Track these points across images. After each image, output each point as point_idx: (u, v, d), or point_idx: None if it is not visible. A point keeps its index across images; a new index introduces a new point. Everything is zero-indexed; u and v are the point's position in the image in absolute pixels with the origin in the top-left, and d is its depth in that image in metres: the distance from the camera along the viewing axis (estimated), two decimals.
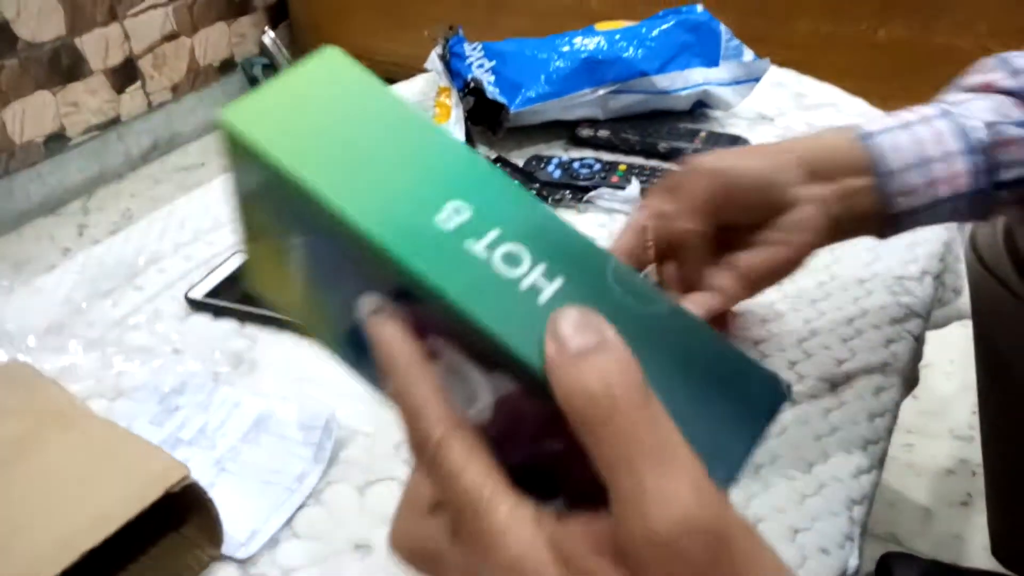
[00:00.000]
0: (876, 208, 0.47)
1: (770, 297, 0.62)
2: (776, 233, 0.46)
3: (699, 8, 0.89)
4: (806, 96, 0.92)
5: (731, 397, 0.24)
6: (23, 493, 0.42)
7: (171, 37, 2.10)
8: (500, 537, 0.22)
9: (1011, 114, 0.47)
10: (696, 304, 0.46)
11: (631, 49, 0.82)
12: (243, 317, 0.61)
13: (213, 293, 0.63)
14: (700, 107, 0.86)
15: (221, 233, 0.73)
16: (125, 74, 2.02)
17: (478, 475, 0.23)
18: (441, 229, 0.24)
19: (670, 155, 0.79)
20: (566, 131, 0.85)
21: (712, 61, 0.84)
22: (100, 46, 1.94)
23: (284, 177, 0.24)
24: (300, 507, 0.46)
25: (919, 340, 0.61)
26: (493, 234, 0.24)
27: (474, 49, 0.86)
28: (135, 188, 2.01)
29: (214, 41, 2.22)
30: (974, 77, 0.50)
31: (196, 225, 0.75)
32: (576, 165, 0.76)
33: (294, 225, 0.26)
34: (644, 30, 0.84)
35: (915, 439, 1.16)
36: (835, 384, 0.54)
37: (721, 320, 0.52)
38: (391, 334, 0.25)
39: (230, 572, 0.43)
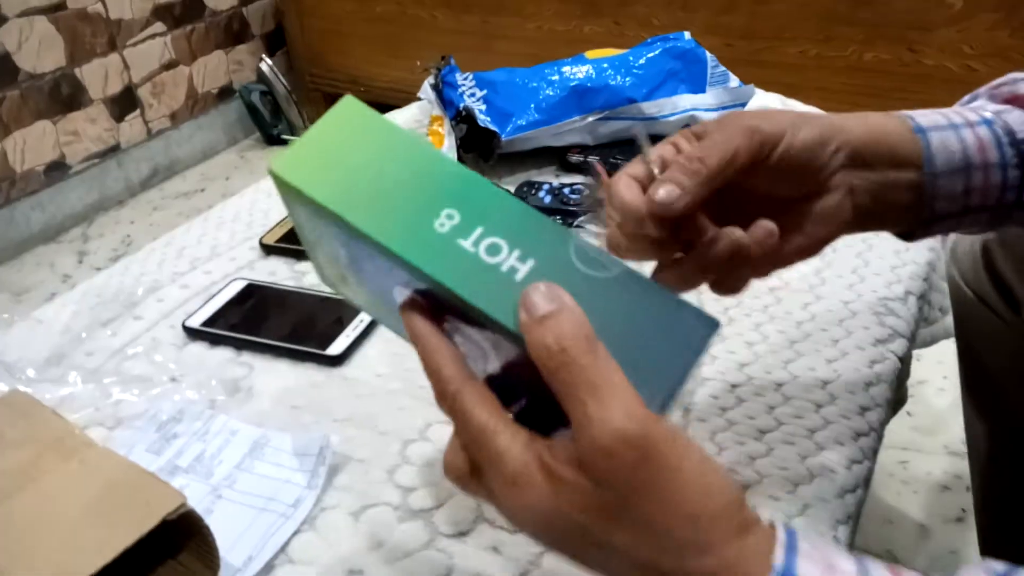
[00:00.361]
0: (913, 207, 0.44)
1: (756, 318, 0.63)
2: (799, 219, 0.42)
3: (687, 35, 0.91)
4: None
5: (667, 337, 0.31)
6: (23, 522, 0.43)
7: (170, 66, 2.13)
8: (503, 456, 0.30)
9: None
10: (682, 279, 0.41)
11: (619, 77, 0.84)
12: (239, 345, 0.63)
13: (210, 321, 0.65)
14: None
15: (218, 262, 0.75)
16: (124, 103, 2.04)
17: (485, 414, 0.30)
18: (439, 233, 0.31)
19: None
20: (556, 157, 0.86)
21: (699, 87, 0.86)
22: (100, 76, 1.96)
23: (321, 209, 0.32)
24: (295, 533, 0.47)
25: (904, 360, 0.62)
26: (478, 231, 0.31)
27: (466, 79, 0.88)
28: (135, 215, 2.03)
29: (212, 69, 2.25)
30: (1002, 89, 0.48)
31: (193, 254, 0.76)
32: (566, 191, 0.78)
33: (339, 239, 0.34)
34: (632, 58, 0.86)
35: (910, 456, 1.17)
36: (820, 404, 0.55)
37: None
38: (416, 318, 0.32)
39: None
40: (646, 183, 0.40)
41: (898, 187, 0.43)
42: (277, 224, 0.78)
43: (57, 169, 1.92)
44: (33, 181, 1.87)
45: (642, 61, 0.86)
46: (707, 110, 0.86)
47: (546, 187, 0.79)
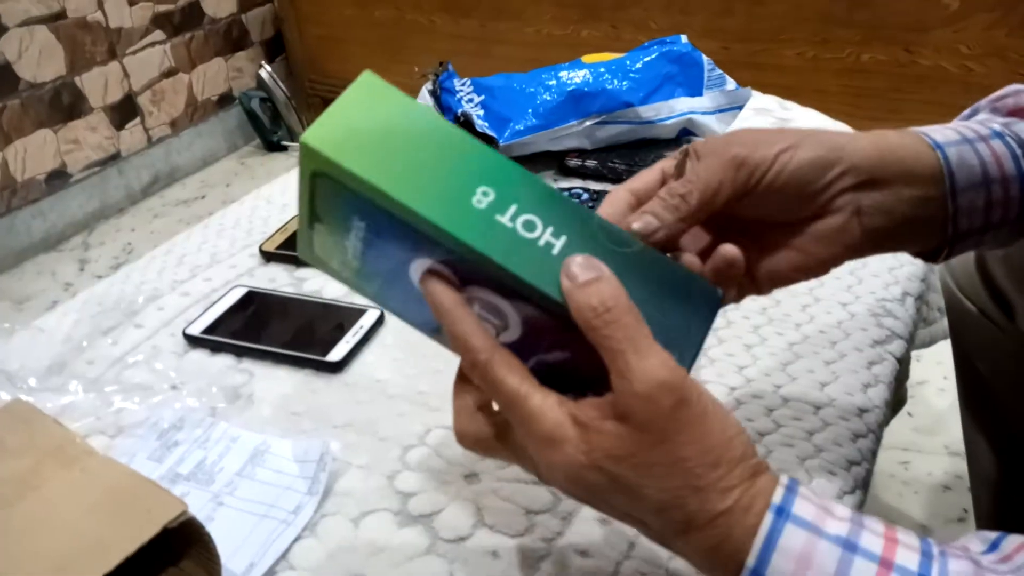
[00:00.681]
0: (936, 225, 0.42)
1: (754, 321, 0.63)
2: (797, 239, 0.41)
3: (683, 39, 0.92)
4: (789, 121, 0.94)
5: (684, 305, 0.34)
6: (24, 530, 0.43)
7: (169, 73, 2.14)
8: (536, 416, 0.33)
9: None
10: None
11: (616, 81, 0.84)
12: (240, 352, 0.63)
13: (210, 329, 0.65)
14: (686, 135, 0.88)
15: (218, 269, 0.75)
16: (125, 111, 2.05)
17: (516, 379, 0.33)
18: (478, 208, 0.33)
19: None
20: (555, 161, 0.87)
21: (696, 91, 0.86)
22: (100, 84, 1.97)
23: (359, 182, 0.32)
24: (296, 539, 0.47)
25: (902, 362, 0.62)
26: (513, 208, 0.33)
27: (463, 84, 0.89)
28: (135, 222, 2.04)
29: (212, 76, 2.26)
30: (1005, 101, 0.46)
31: (194, 262, 0.77)
32: (565, 195, 0.78)
33: (360, 212, 0.34)
34: (628, 62, 0.86)
35: (910, 456, 1.17)
36: (818, 407, 0.55)
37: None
38: (440, 288, 0.34)
39: None
40: (644, 199, 0.40)
41: (918, 205, 0.41)
42: (277, 231, 0.78)
43: (58, 177, 1.93)
44: (34, 190, 1.88)
45: (639, 65, 0.86)
46: (704, 113, 0.86)
47: None
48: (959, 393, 0.77)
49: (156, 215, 2.07)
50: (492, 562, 0.45)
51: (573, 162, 0.85)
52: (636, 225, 0.38)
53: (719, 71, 0.88)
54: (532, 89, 0.85)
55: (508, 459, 0.37)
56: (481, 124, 0.83)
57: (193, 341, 0.64)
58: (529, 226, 0.33)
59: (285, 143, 2.31)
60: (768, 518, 0.31)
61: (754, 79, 1.23)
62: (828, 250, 0.41)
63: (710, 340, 0.61)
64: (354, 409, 0.57)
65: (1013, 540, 0.32)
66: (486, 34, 1.92)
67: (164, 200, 2.13)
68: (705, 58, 0.88)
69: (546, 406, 0.33)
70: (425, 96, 0.90)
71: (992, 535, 0.33)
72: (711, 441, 0.32)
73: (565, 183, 0.84)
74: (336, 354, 0.60)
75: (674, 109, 0.85)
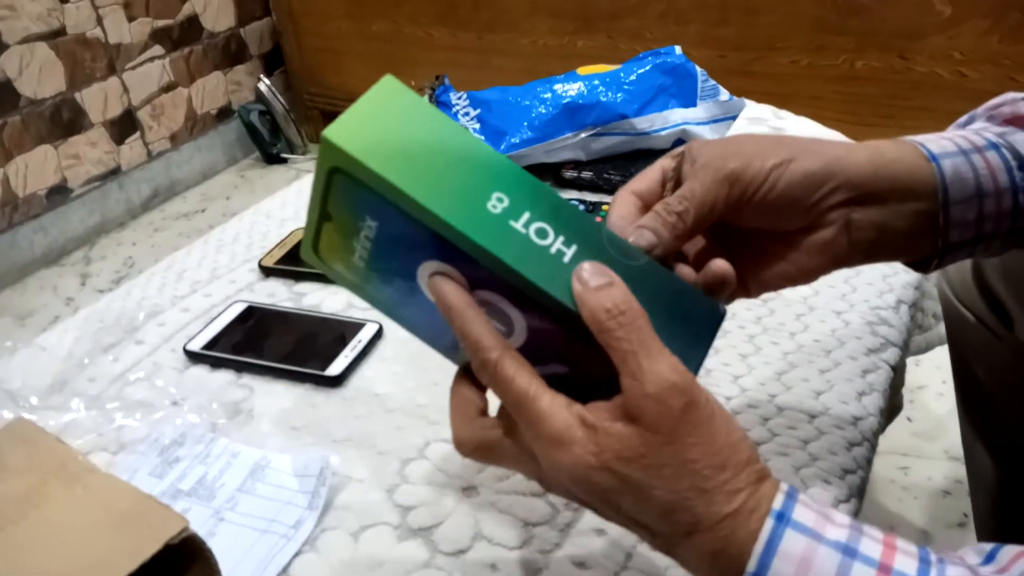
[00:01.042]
0: (926, 237, 0.43)
1: (750, 330, 0.64)
2: (788, 249, 0.42)
3: (677, 50, 0.92)
4: (784, 130, 0.95)
5: (688, 319, 0.35)
6: (27, 548, 0.44)
7: (169, 88, 2.15)
8: (545, 417, 0.33)
9: None
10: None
11: (610, 93, 0.85)
12: (240, 367, 0.63)
13: (210, 345, 0.65)
14: (680, 145, 0.89)
15: (218, 285, 0.75)
16: (124, 125, 2.06)
17: (525, 379, 0.34)
18: (492, 213, 0.33)
19: None
20: (551, 173, 0.87)
21: (690, 101, 0.87)
22: (99, 99, 1.98)
23: (382, 180, 0.33)
24: (296, 554, 0.48)
25: (897, 369, 0.62)
26: (526, 215, 0.34)
27: (459, 98, 0.89)
28: (136, 236, 2.04)
29: (211, 90, 2.27)
30: (1002, 110, 0.46)
31: (194, 277, 0.77)
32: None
33: (373, 211, 0.35)
34: (623, 74, 0.87)
35: (910, 461, 1.17)
36: (813, 415, 0.56)
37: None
38: (450, 289, 0.35)
39: None
40: (648, 200, 0.41)
41: (909, 218, 0.41)
42: (276, 246, 0.79)
43: (59, 193, 1.94)
44: (35, 205, 1.89)
45: (633, 77, 0.87)
46: (698, 124, 0.87)
47: None
48: (957, 398, 0.78)
49: (157, 229, 2.07)
50: (491, 574, 0.46)
51: (569, 174, 0.86)
52: (634, 239, 0.38)
53: (712, 82, 0.89)
54: (528, 102, 0.86)
55: (508, 465, 0.37)
56: (477, 137, 0.83)
57: (193, 357, 0.65)
58: (541, 233, 0.34)
59: (284, 155, 2.32)
60: (769, 523, 0.32)
61: (750, 87, 1.24)
62: (816, 261, 0.42)
63: None
64: (353, 423, 0.57)
65: (1009, 550, 0.32)
66: (483, 45, 1.93)
67: (164, 214, 2.14)
68: (699, 69, 0.88)
69: (555, 407, 0.33)
70: None
71: (988, 546, 0.33)
72: (718, 444, 0.32)
73: (561, 194, 0.85)
74: (335, 368, 0.61)
75: (668, 120, 0.86)
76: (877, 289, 0.68)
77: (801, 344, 0.62)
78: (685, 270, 0.39)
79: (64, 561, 0.42)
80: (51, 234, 1.93)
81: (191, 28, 2.17)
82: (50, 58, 1.85)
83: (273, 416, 0.59)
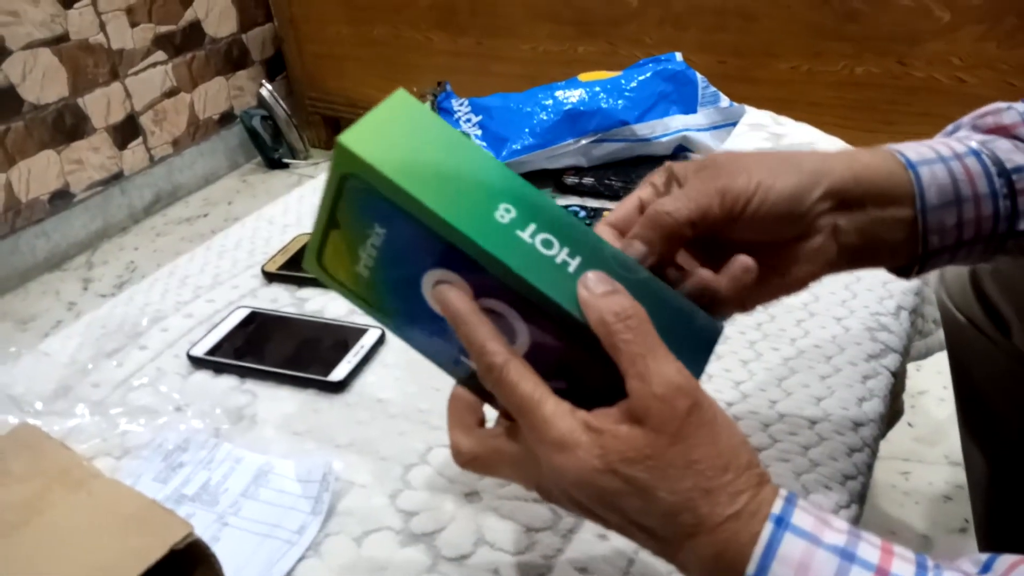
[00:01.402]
0: (907, 243, 0.44)
1: (750, 336, 0.64)
2: (782, 259, 0.42)
3: (678, 57, 0.93)
4: (784, 136, 0.96)
5: (687, 333, 0.36)
6: (33, 553, 0.44)
7: (171, 93, 2.16)
8: (549, 421, 0.33)
9: None
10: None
11: (611, 100, 0.86)
12: (243, 372, 0.64)
13: (214, 350, 0.66)
14: (681, 151, 0.89)
15: (221, 290, 0.76)
16: (127, 131, 2.06)
17: (530, 384, 0.34)
18: (500, 223, 0.34)
19: None
20: (552, 179, 0.88)
21: (690, 108, 0.87)
22: (102, 105, 1.99)
23: (395, 187, 0.33)
24: (300, 559, 0.48)
25: (897, 375, 0.63)
26: (532, 227, 0.35)
27: (461, 105, 0.90)
28: (138, 241, 2.05)
29: (213, 95, 2.28)
30: (986, 119, 0.47)
31: (196, 283, 0.78)
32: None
33: (382, 219, 0.36)
34: (623, 81, 0.88)
35: (911, 466, 1.17)
36: (814, 421, 0.56)
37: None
38: (456, 296, 0.35)
39: None
40: (626, 229, 0.41)
41: (890, 224, 0.43)
42: (278, 252, 0.79)
43: (61, 198, 1.94)
44: (38, 210, 1.89)
45: (634, 84, 0.87)
46: (699, 130, 0.87)
47: None
48: (956, 404, 0.78)
49: (159, 233, 2.08)
50: None
51: (570, 180, 0.86)
52: (624, 250, 0.38)
53: (713, 88, 0.89)
54: (529, 109, 0.86)
55: (506, 474, 0.38)
56: (479, 144, 0.84)
57: (197, 362, 0.65)
58: (547, 244, 0.35)
59: (286, 160, 2.33)
60: (768, 527, 0.32)
61: (749, 92, 1.24)
62: (808, 268, 0.42)
63: None
64: (356, 429, 0.58)
65: (1005, 560, 0.32)
66: (483, 51, 1.94)
67: (166, 218, 2.15)
68: (699, 76, 0.89)
69: (559, 412, 0.34)
70: None
71: (984, 557, 0.33)
72: (721, 446, 0.33)
73: (563, 201, 0.85)
74: (338, 374, 0.61)
75: (669, 127, 0.86)
76: (877, 295, 0.68)
77: (802, 350, 0.63)
78: (705, 273, 0.39)
79: (69, 566, 0.42)
80: (53, 239, 1.93)
81: (193, 34, 2.18)
82: (53, 64, 1.86)
83: (276, 421, 0.59)
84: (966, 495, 1.12)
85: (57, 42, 1.86)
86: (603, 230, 0.41)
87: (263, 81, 2.29)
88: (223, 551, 0.45)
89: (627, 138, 0.86)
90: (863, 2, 1.45)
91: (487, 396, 0.40)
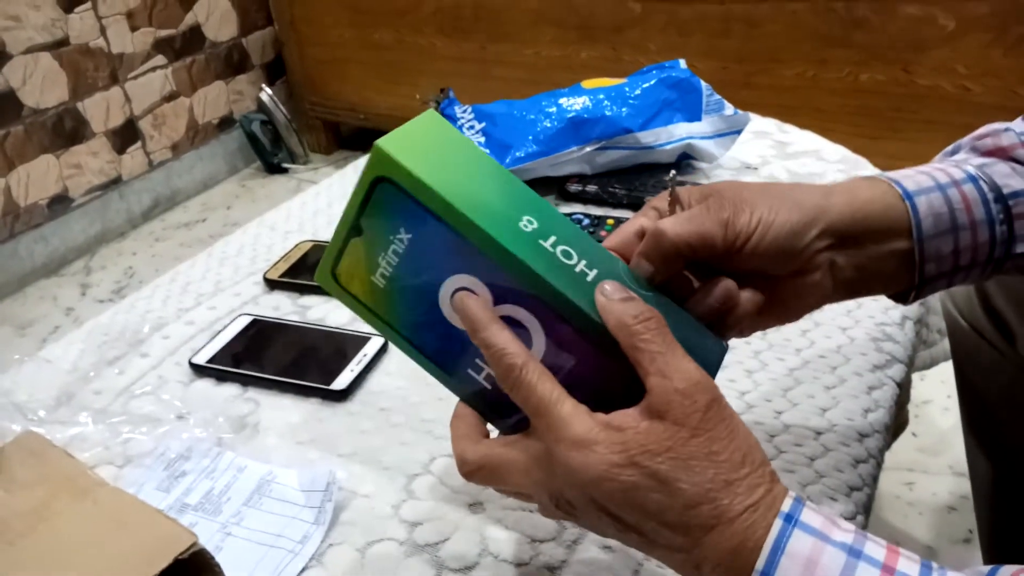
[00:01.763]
0: (904, 273, 0.44)
1: (755, 346, 0.64)
2: (779, 293, 0.43)
3: (682, 64, 0.93)
4: (788, 144, 0.95)
5: (695, 349, 0.36)
6: (36, 562, 0.43)
7: (170, 97, 2.16)
8: (568, 420, 0.34)
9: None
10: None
11: (615, 107, 0.85)
12: (245, 381, 0.63)
13: (216, 358, 0.65)
14: (685, 159, 0.89)
15: (223, 298, 0.75)
16: (126, 135, 2.06)
17: (548, 385, 0.35)
18: (525, 231, 0.36)
19: None
20: (555, 187, 0.87)
21: (694, 116, 0.87)
22: (102, 109, 1.99)
23: (430, 191, 0.35)
24: (303, 569, 0.47)
25: (902, 386, 0.62)
26: (553, 238, 0.37)
27: (464, 111, 0.90)
28: (137, 246, 2.04)
29: (212, 99, 2.28)
30: (985, 141, 0.47)
31: (198, 290, 0.77)
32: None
33: (409, 223, 0.37)
34: (627, 88, 0.87)
35: (915, 477, 1.17)
36: (819, 432, 0.56)
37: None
38: (475, 303, 0.37)
39: None
40: (625, 255, 0.42)
41: (887, 257, 0.44)
42: (280, 259, 0.79)
43: (60, 202, 1.94)
44: (36, 215, 1.89)
45: (638, 91, 0.87)
46: (703, 138, 0.87)
47: None
48: (961, 414, 0.78)
49: (157, 238, 2.08)
50: None
51: (574, 187, 0.86)
52: (633, 268, 0.39)
53: (717, 96, 0.89)
54: (532, 116, 0.86)
55: (512, 482, 0.38)
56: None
57: (199, 370, 0.65)
58: (567, 255, 0.37)
59: (286, 165, 2.33)
60: (777, 523, 0.32)
61: (753, 99, 1.24)
62: (804, 301, 0.44)
63: None
64: (359, 438, 0.57)
65: (1006, 571, 0.33)
66: (486, 56, 1.93)
67: (165, 223, 2.14)
68: (703, 83, 0.89)
69: (578, 412, 0.35)
70: None
71: (986, 569, 0.34)
72: (739, 441, 0.34)
73: (566, 208, 0.85)
74: (341, 382, 0.61)
75: (673, 134, 0.86)
76: (882, 305, 0.68)
77: (807, 360, 0.62)
78: (724, 288, 0.40)
79: (75, 575, 0.42)
80: (52, 244, 1.93)
81: (193, 38, 2.18)
82: (53, 68, 1.86)
83: (279, 430, 0.59)
84: (970, 506, 1.12)
85: (57, 46, 1.86)
86: (644, 217, 0.43)
87: (263, 85, 2.28)
88: (226, 561, 0.45)
89: (631, 146, 0.86)
90: (869, 9, 1.45)
91: (491, 414, 0.40)
